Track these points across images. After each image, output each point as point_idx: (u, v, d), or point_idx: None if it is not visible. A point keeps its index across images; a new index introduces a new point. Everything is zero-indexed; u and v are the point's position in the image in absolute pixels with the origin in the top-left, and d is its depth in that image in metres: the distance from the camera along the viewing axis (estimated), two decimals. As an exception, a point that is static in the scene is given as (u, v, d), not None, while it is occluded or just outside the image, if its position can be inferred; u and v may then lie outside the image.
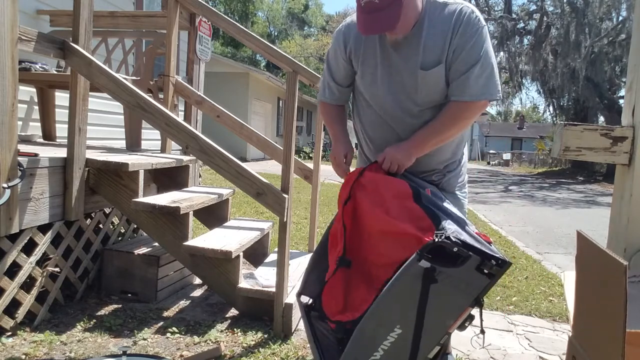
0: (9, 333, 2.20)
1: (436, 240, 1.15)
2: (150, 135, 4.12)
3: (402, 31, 1.50)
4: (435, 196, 1.47)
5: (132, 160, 2.62)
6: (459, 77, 1.51)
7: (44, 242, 2.37)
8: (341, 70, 1.73)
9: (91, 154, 2.65)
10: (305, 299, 1.50)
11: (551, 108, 22.98)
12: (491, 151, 37.73)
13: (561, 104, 22.67)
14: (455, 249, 1.14)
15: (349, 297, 1.38)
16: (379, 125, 1.70)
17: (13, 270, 2.21)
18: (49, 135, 3.77)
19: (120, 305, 2.69)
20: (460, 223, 1.33)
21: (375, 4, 1.38)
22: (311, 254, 3.50)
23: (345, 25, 1.70)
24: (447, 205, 1.45)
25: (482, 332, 1.29)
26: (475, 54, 1.49)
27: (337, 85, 1.77)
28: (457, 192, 1.80)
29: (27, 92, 3.82)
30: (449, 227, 1.24)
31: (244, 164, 2.38)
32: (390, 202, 1.37)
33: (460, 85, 1.51)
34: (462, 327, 1.27)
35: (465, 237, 1.21)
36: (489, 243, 1.25)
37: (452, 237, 1.15)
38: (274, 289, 2.47)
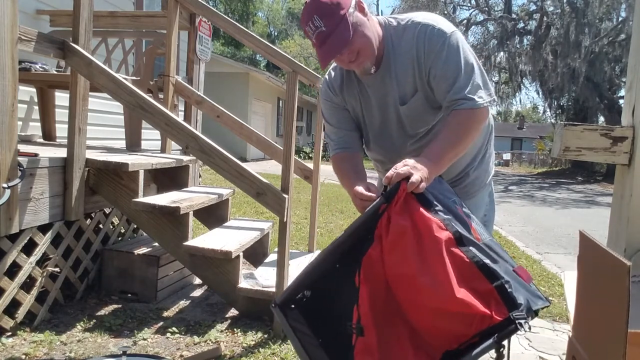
0: (9, 333, 2.20)
1: (516, 325, 1.05)
2: (150, 135, 4.11)
3: (366, 58, 1.40)
4: (465, 216, 1.26)
5: (132, 160, 2.62)
6: (446, 97, 1.41)
7: (44, 242, 2.37)
8: (344, 116, 1.62)
9: (91, 154, 2.64)
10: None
11: (551, 108, 22.99)
12: (491, 151, 37.62)
13: (561, 104, 22.69)
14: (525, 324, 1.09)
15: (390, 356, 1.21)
16: (385, 165, 1.63)
17: (13, 270, 2.21)
18: (49, 135, 3.76)
19: (120, 305, 2.68)
20: (507, 261, 1.20)
21: (324, 31, 1.33)
22: (310, 254, 3.51)
23: (326, 80, 1.62)
24: (477, 226, 1.27)
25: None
26: (452, 67, 1.39)
27: (345, 131, 1.61)
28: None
29: (27, 92, 3.82)
30: (519, 297, 1.10)
31: (244, 164, 2.38)
32: (434, 260, 1.14)
33: (451, 104, 1.41)
34: None
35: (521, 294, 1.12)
36: (530, 281, 1.18)
37: (528, 323, 1.07)
38: (274, 289, 2.47)
